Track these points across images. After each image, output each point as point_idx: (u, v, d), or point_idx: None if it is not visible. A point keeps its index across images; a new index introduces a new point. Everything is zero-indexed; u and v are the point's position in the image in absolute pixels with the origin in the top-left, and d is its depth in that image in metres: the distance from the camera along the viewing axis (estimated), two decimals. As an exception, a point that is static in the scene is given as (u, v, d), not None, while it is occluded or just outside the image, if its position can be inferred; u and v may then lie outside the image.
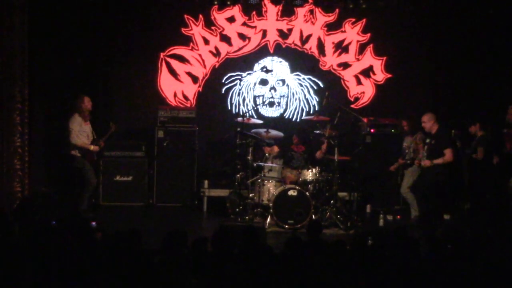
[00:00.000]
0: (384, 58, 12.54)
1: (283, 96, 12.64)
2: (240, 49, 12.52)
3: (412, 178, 10.62)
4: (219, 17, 12.42)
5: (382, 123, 11.86)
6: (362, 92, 12.63)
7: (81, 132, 10.60)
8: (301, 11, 12.47)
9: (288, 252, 5.89)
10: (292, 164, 10.82)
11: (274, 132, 11.42)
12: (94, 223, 7.40)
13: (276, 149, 11.15)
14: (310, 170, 10.57)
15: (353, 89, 12.64)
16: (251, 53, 12.57)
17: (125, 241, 5.84)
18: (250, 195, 10.70)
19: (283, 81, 12.63)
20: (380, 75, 12.58)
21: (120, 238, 5.91)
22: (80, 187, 10.63)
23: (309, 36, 12.54)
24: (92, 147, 10.66)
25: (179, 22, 12.35)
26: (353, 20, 12.49)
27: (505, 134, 10.68)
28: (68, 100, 11.26)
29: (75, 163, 10.60)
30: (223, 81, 12.55)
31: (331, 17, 12.50)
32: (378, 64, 12.57)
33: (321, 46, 12.56)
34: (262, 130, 11.28)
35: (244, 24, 12.48)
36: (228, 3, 12.27)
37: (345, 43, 12.57)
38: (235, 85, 12.56)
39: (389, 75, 12.55)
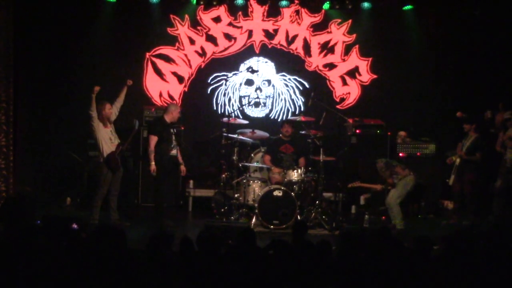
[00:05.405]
0: (370, 59, 12.57)
1: (269, 96, 12.65)
2: (226, 49, 12.52)
3: (405, 190, 10.48)
4: (205, 17, 12.42)
5: (368, 123, 11.89)
6: (348, 92, 12.65)
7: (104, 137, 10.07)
8: (287, 12, 12.48)
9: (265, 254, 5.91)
10: (282, 165, 10.83)
11: (259, 133, 11.45)
12: (75, 225, 7.35)
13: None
14: (295, 171, 10.59)
15: (338, 90, 12.67)
16: (237, 53, 12.57)
17: (109, 241, 5.81)
18: (235, 196, 10.71)
19: (269, 82, 12.63)
20: (366, 76, 12.61)
21: (104, 238, 5.87)
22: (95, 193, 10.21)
23: (295, 37, 12.56)
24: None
25: (165, 22, 12.33)
26: (339, 21, 12.52)
27: (492, 135, 10.76)
28: (53, 99, 11.19)
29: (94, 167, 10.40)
30: (208, 81, 12.54)
31: (317, 18, 12.52)
32: (363, 65, 12.60)
33: (307, 46, 12.58)
34: (248, 131, 11.31)
35: (230, 24, 12.48)
36: (214, 3, 12.25)
37: (331, 43, 12.60)
38: (221, 85, 12.55)
39: (375, 76, 12.59)
